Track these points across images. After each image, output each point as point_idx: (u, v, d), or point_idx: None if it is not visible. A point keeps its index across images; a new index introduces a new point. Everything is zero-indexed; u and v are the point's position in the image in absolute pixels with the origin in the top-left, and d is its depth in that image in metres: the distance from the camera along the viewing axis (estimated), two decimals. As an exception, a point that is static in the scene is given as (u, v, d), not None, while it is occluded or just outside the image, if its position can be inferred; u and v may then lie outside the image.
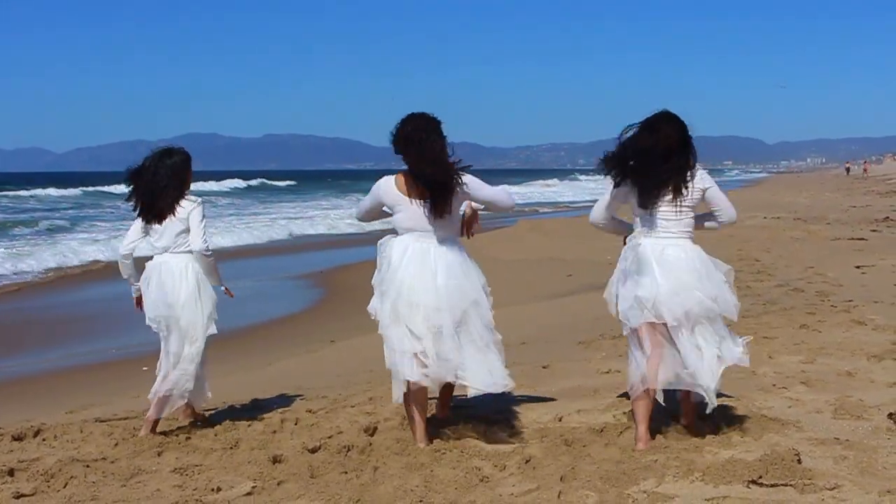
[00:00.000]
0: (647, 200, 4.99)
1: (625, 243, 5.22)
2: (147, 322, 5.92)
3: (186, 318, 5.83)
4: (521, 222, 27.06)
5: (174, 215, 5.85)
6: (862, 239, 17.67)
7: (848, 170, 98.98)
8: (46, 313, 13.21)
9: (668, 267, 4.94)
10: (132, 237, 5.97)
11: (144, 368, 8.74)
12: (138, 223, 5.95)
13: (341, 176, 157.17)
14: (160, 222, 5.87)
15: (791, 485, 4.20)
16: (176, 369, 5.85)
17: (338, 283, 15.02)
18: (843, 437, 5.03)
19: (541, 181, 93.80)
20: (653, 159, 4.92)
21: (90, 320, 12.42)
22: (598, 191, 70.55)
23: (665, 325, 4.90)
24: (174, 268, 5.86)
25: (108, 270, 18.57)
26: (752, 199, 37.99)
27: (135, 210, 5.94)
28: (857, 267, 13.04)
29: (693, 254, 5.02)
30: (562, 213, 37.57)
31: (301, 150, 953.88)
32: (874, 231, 19.73)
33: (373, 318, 5.26)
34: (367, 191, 5.41)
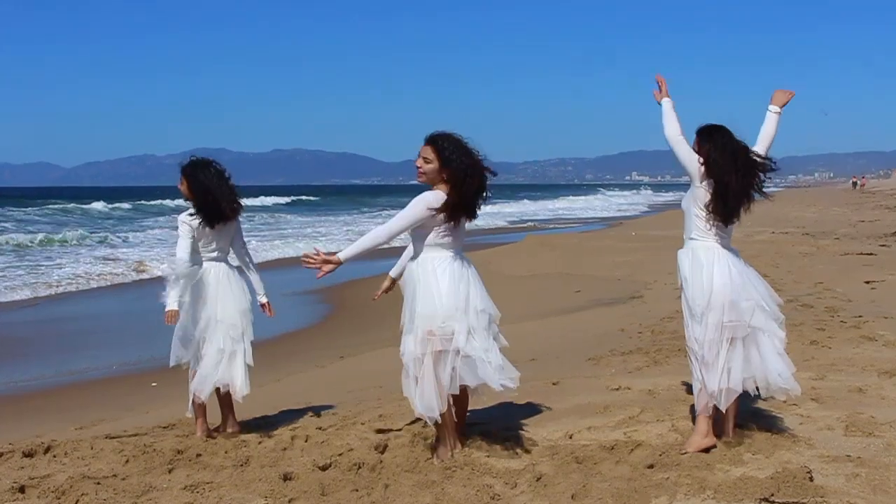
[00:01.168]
0: (732, 217, 5.21)
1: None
2: (212, 324, 6.12)
3: (248, 317, 6.28)
4: (529, 238, 27.07)
5: (232, 219, 6.18)
6: (871, 254, 17.63)
7: (854, 184, 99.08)
8: (57, 327, 13.23)
9: (738, 268, 5.24)
10: (189, 247, 6.11)
11: (154, 384, 8.76)
12: (189, 230, 6.08)
13: (350, 191, 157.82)
14: (224, 224, 6.15)
15: (803, 503, 4.19)
16: (234, 363, 6.21)
17: (346, 298, 15.03)
18: (854, 454, 5.01)
19: (575, 196, 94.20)
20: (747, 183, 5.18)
21: (100, 334, 12.44)
22: (625, 205, 70.71)
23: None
24: (231, 273, 6.27)
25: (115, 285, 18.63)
26: (759, 214, 37.89)
27: (201, 217, 6.07)
28: (867, 282, 13.01)
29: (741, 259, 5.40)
30: (569, 228, 37.52)
31: (308, 165, 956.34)
32: (883, 246, 19.69)
33: None
34: (390, 205, 5.60)
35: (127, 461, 5.57)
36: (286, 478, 5.01)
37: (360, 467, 5.13)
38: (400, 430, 5.96)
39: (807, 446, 5.18)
